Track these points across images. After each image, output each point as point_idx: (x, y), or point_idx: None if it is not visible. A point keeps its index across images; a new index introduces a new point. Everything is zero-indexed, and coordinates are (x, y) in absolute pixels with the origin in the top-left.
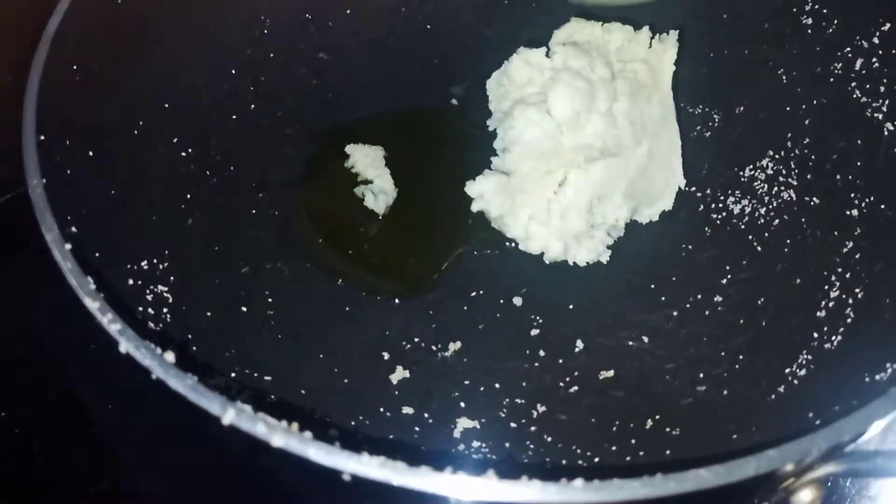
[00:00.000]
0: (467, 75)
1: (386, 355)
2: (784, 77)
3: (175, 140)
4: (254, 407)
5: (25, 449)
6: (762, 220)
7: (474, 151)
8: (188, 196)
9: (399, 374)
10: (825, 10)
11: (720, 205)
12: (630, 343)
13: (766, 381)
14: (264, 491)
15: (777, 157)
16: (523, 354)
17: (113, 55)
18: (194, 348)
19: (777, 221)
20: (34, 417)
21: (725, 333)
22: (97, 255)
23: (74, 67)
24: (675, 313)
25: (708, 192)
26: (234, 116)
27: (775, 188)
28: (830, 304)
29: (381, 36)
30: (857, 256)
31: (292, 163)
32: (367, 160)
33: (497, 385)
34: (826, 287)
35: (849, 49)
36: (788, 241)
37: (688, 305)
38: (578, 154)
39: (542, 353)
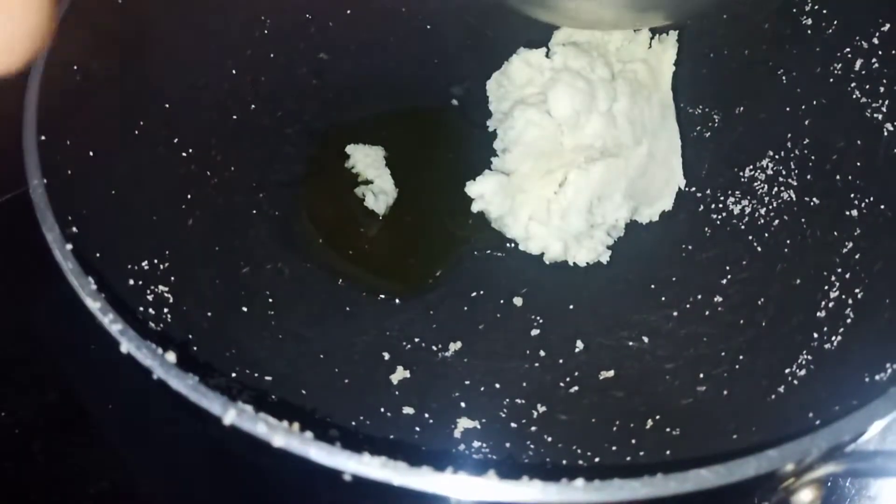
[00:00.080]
0: (467, 75)
1: (386, 355)
2: (784, 77)
3: (175, 140)
4: (255, 407)
5: (25, 449)
6: (762, 221)
7: (474, 152)
8: (188, 196)
9: (399, 374)
10: (825, 11)
11: (720, 205)
12: (630, 343)
13: (766, 381)
14: (265, 491)
15: (777, 157)
16: (523, 354)
17: (113, 55)
18: (195, 348)
19: (777, 222)
20: (34, 417)
21: (725, 333)
22: (98, 255)
23: (74, 67)
24: (675, 313)
25: (708, 192)
26: (234, 116)
27: (775, 188)
28: (830, 305)
29: (381, 36)
30: (856, 256)
31: (292, 163)
32: (367, 160)
33: (497, 385)
34: (826, 287)
35: (848, 49)
36: (788, 242)
37: (688, 305)
38: (578, 154)
39: (542, 353)
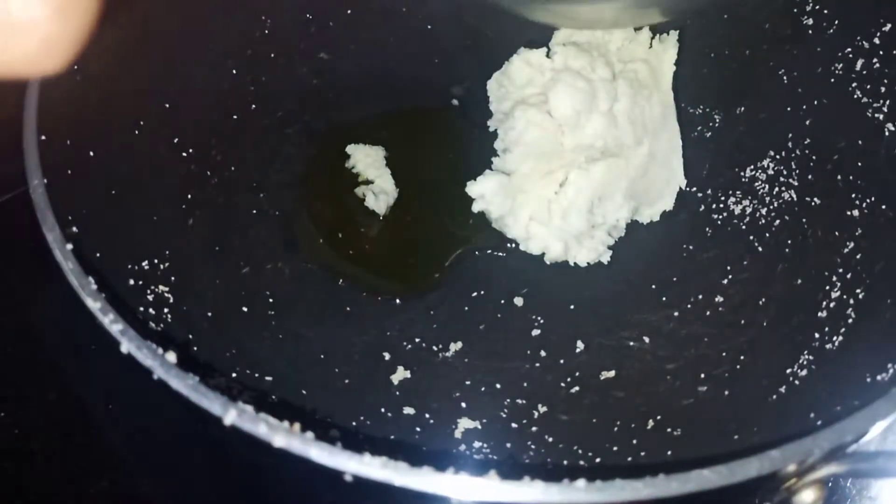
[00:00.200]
0: (467, 75)
1: (387, 355)
2: (784, 77)
3: (175, 140)
4: (255, 407)
5: (25, 449)
6: (763, 221)
7: (475, 152)
8: (188, 196)
9: (400, 374)
10: (826, 11)
11: (721, 205)
12: (631, 343)
13: (768, 382)
14: (265, 491)
15: (778, 157)
16: (524, 355)
17: (113, 55)
18: (195, 348)
19: (778, 222)
20: (34, 417)
21: (726, 333)
22: (98, 255)
23: (75, 67)
24: (675, 313)
25: (709, 192)
26: (235, 116)
27: (776, 188)
28: (831, 305)
29: (381, 36)
30: (857, 257)
31: (292, 163)
32: (367, 160)
33: (498, 385)
34: (827, 287)
35: (849, 49)
36: (789, 242)
37: (689, 306)
38: (579, 154)
39: (543, 353)
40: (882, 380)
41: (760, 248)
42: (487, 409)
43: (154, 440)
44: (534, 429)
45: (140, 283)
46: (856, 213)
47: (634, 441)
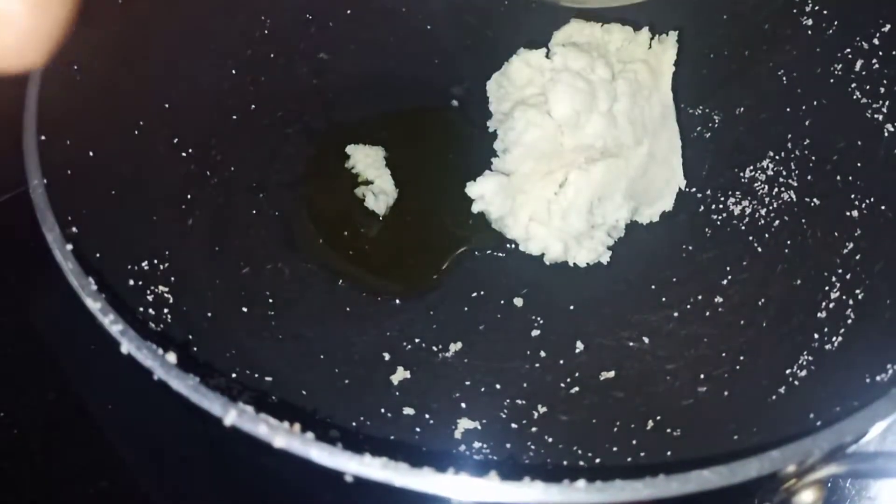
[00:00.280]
0: (467, 76)
1: (387, 356)
2: (784, 78)
3: (175, 140)
4: (255, 408)
5: (25, 449)
6: (762, 221)
7: (475, 152)
8: (188, 196)
9: (400, 374)
10: (825, 11)
11: (720, 205)
12: (631, 344)
13: (767, 382)
14: (265, 492)
15: (777, 157)
16: (524, 355)
17: (113, 55)
18: (195, 349)
19: (777, 222)
20: (34, 417)
21: (726, 334)
22: (98, 255)
23: (75, 67)
24: (675, 314)
25: (708, 192)
26: (234, 116)
27: (775, 189)
28: (831, 305)
29: (381, 36)
30: (857, 257)
31: (292, 163)
32: (367, 160)
33: (498, 386)
34: (826, 288)
35: (849, 50)
36: (789, 242)
37: (688, 306)
38: (579, 154)
39: (542, 353)
40: (881, 380)
41: (760, 249)
42: (487, 409)
43: (154, 440)
44: (534, 429)
45: (140, 283)
46: (855, 213)
47: (634, 441)
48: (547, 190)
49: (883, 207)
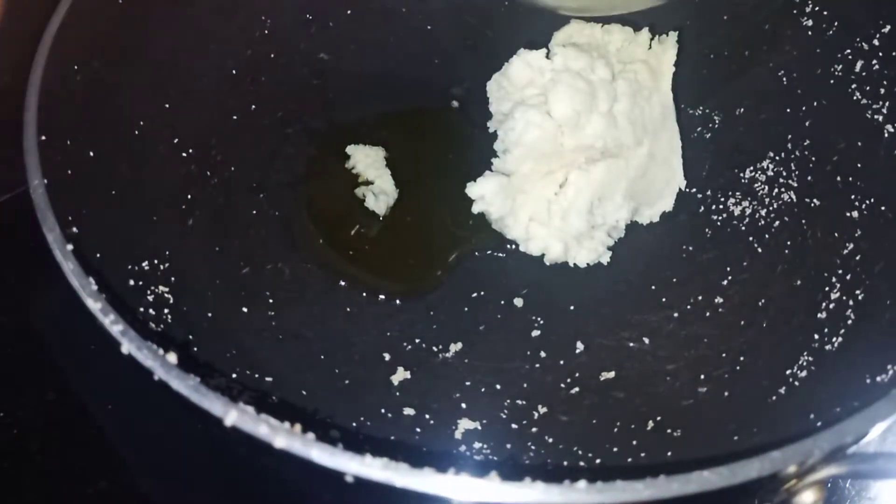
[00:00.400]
0: (467, 76)
1: (387, 356)
2: (784, 78)
3: (175, 140)
4: (256, 408)
5: (25, 449)
6: (763, 222)
7: (475, 153)
8: (188, 196)
9: (400, 374)
10: (825, 12)
11: (720, 206)
12: (631, 344)
13: (767, 383)
14: (266, 492)
15: (777, 158)
16: (524, 355)
17: (113, 55)
18: (195, 349)
19: (777, 223)
20: (34, 417)
21: (726, 334)
22: (98, 255)
23: (75, 67)
24: (675, 314)
25: (708, 193)
26: (235, 116)
27: (776, 189)
28: (831, 306)
29: (381, 36)
30: (857, 258)
31: (292, 163)
32: (367, 161)
33: (498, 386)
34: (826, 288)
35: (849, 51)
36: (789, 243)
37: (688, 306)
38: (579, 155)
39: (542, 353)
40: (882, 381)
41: (760, 249)
42: (487, 409)
43: (154, 440)
44: (534, 429)
45: (140, 283)
46: (855, 214)
47: (634, 442)
48: (547, 190)
49: (883, 208)
